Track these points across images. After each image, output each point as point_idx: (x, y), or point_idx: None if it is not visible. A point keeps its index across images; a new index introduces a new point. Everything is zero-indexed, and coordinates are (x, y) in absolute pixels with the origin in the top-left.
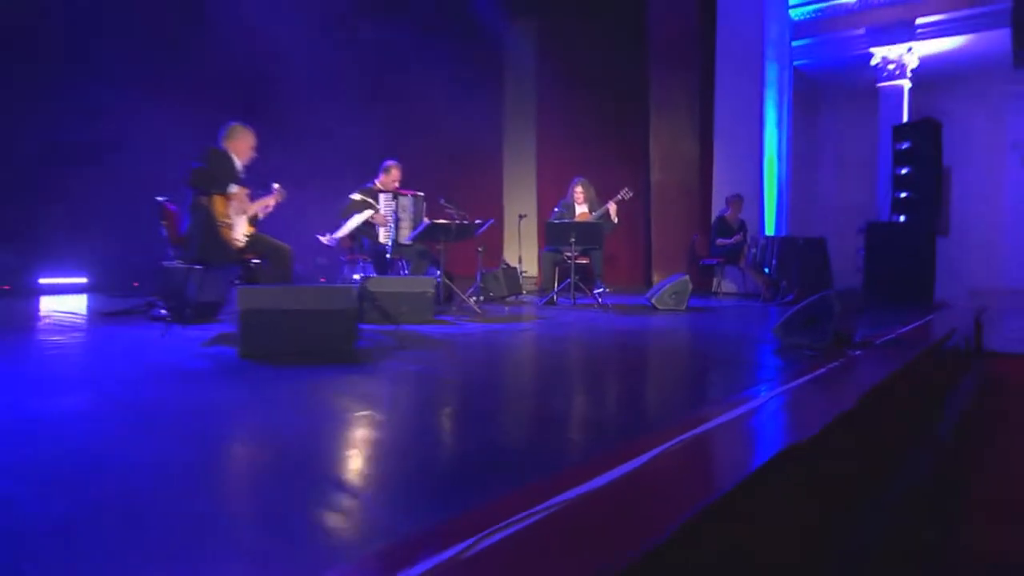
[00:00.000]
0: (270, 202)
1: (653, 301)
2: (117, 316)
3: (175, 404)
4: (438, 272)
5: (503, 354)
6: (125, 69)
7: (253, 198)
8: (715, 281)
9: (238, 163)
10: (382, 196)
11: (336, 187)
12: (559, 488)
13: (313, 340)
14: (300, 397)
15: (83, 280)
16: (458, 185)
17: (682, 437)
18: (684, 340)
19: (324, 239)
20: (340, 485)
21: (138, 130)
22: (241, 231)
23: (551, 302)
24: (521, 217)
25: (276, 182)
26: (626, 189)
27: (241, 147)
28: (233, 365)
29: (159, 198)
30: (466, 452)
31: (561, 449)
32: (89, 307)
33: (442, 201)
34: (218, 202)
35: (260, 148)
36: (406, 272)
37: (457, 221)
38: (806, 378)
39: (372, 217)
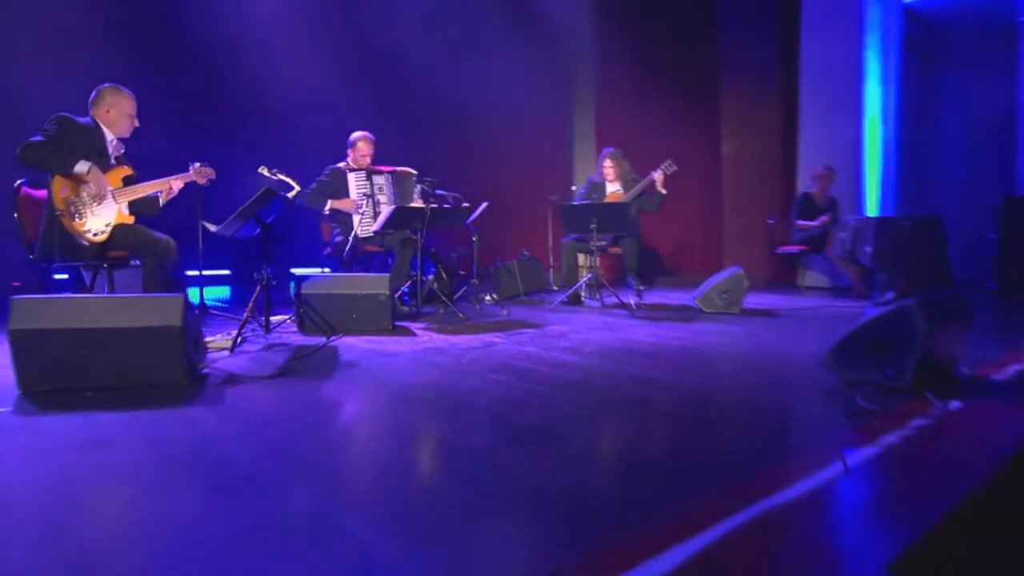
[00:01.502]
0: (170, 184)
1: (697, 302)
2: None
3: None
4: (433, 267)
5: (401, 397)
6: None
7: (133, 181)
8: (799, 274)
9: (109, 135)
10: (352, 176)
11: None
12: None
13: (121, 370)
14: None
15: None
16: (519, 164)
17: None
18: (687, 371)
19: (211, 228)
20: None
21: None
22: (99, 222)
23: (574, 301)
24: (551, 199)
25: (198, 161)
26: (669, 161)
27: (114, 116)
28: None
29: (18, 181)
30: None
31: None
32: None
33: (414, 180)
34: (57, 185)
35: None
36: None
37: (435, 205)
38: (855, 456)
39: (338, 203)
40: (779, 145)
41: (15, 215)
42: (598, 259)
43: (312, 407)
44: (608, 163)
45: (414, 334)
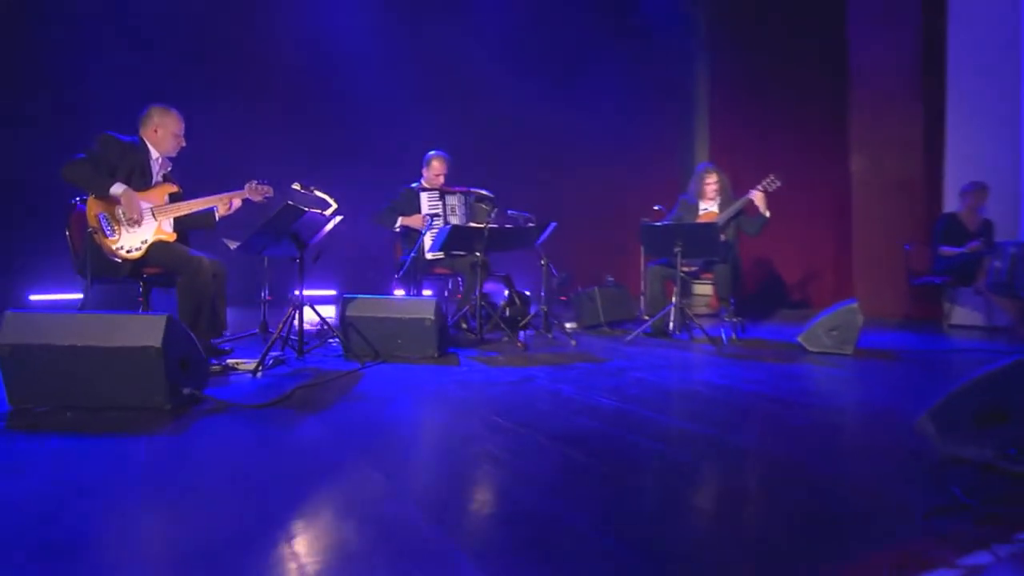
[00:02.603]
0: (231, 200)
1: (801, 340)
2: None
3: None
4: (505, 291)
5: (372, 442)
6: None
7: (180, 198)
8: (945, 309)
9: (155, 153)
10: (424, 196)
11: None
12: None
13: (102, 390)
14: None
15: None
16: (619, 184)
17: None
18: (741, 426)
19: (232, 245)
20: None
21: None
22: (135, 239)
23: (659, 333)
24: (644, 223)
25: (255, 179)
26: (771, 177)
27: (161, 136)
28: None
29: (76, 199)
30: None
31: None
32: None
33: (472, 199)
34: (91, 203)
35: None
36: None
37: (493, 225)
38: None
39: (408, 220)
40: (919, 159)
41: (66, 232)
42: (680, 286)
43: (260, 447)
44: (702, 180)
45: (458, 363)
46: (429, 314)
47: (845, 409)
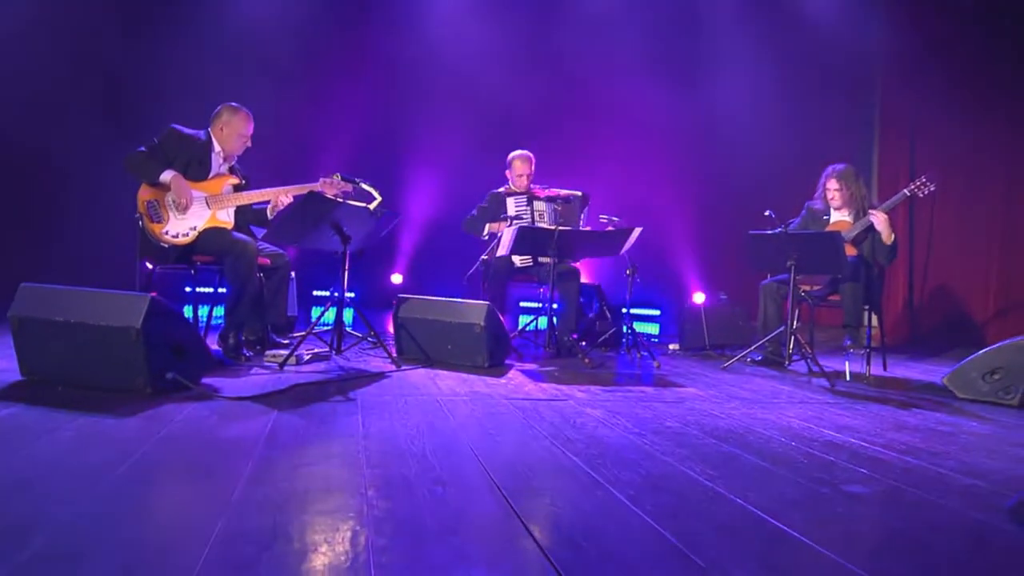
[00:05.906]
0: (278, 196)
1: (946, 382)
2: None
3: None
4: (597, 302)
5: (286, 457)
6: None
7: (245, 188)
8: None
9: (218, 149)
10: (511, 201)
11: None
12: None
13: (88, 368)
14: None
15: None
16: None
17: None
18: (771, 487)
19: (259, 234)
20: None
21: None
22: (183, 225)
23: (770, 362)
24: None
25: (339, 173)
26: (923, 179)
27: (227, 134)
28: None
29: None
30: None
31: None
32: None
33: (543, 198)
34: (142, 191)
35: None
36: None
37: (562, 227)
38: None
39: (495, 226)
40: None
41: (138, 214)
42: (797, 306)
43: (167, 441)
44: (832, 184)
45: (500, 376)
46: (479, 320)
47: (941, 477)
